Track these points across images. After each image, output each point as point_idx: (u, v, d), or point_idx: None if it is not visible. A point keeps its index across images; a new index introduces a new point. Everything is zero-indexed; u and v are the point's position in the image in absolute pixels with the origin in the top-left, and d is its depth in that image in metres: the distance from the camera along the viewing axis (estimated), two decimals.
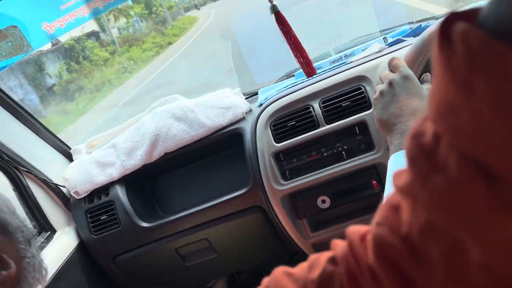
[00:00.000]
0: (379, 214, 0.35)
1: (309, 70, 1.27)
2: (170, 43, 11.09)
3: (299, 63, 1.19)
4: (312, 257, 0.43)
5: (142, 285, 1.53)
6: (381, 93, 0.89)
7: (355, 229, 0.40)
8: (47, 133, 1.44)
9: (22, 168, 1.30)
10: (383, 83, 0.92)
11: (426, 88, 0.89)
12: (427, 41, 0.93)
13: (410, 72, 0.89)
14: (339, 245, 0.41)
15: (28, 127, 1.36)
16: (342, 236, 1.31)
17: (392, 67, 0.91)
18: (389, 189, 0.80)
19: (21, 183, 1.31)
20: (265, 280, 0.45)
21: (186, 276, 1.52)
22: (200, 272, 1.51)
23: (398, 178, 0.31)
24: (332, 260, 0.39)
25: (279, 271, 0.44)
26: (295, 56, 1.20)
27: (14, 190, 1.33)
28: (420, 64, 0.94)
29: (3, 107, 1.26)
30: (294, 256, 1.79)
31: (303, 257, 1.56)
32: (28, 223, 0.46)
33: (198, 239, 1.40)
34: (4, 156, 1.22)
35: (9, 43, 1.11)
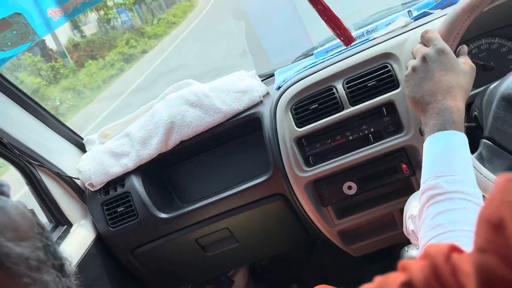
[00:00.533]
0: (479, 235, 0.27)
1: (346, 38, 1.18)
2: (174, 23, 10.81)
3: (332, 29, 1.11)
4: (378, 279, 0.37)
5: (162, 277, 1.50)
6: (414, 69, 0.82)
7: (436, 248, 0.33)
8: (57, 123, 1.39)
9: (34, 162, 1.25)
10: (415, 58, 0.85)
11: (462, 62, 0.82)
12: (462, 12, 0.85)
13: (445, 45, 0.82)
14: (414, 266, 0.34)
15: (38, 118, 1.30)
16: (369, 223, 1.25)
17: (426, 41, 0.85)
18: (426, 174, 0.75)
19: (35, 177, 1.26)
20: None
21: (207, 266, 1.48)
22: (221, 262, 1.47)
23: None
24: (408, 286, 0.33)
25: None
26: (327, 24, 1.12)
27: (27, 184, 1.29)
28: (456, 36, 0.86)
29: (11, 99, 1.21)
30: (314, 244, 1.75)
31: (325, 245, 1.52)
32: (40, 247, 0.41)
33: (219, 228, 1.35)
34: (16, 150, 1.18)
35: (14, 32, 1.05)
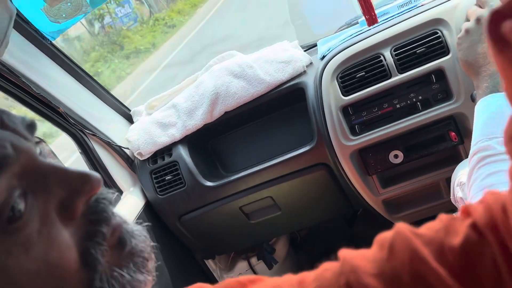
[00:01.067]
0: None
1: (370, 17, 1.17)
2: None
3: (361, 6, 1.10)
4: (443, 217, 0.38)
5: (207, 243, 1.55)
6: (467, 31, 0.81)
7: (495, 196, 0.34)
8: (107, 95, 1.43)
9: (87, 130, 1.31)
10: (469, 20, 0.83)
11: None
12: None
13: None
14: (477, 211, 0.35)
15: (90, 90, 1.35)
16: (414, 192, 1.24)
17: (481, 2, 0.82)
18: (477, 137, 0.74)
19: (87, 145, 1.32)
20: (386, 236, 0.40)
21: (250, 233, 1.52)
22: (265, 229, 1.51)
23: None
24: (474, 227, 0.34)
25: (404, 228, 0.39)
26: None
27: (81, 153, 1.35)
28: None
29: (66, 71, 1.25)
30: (355, 215, 1.76)
31: (366, 216, 1.53)
32: None
33: (262, 197, 1.38)
34: (70, 120, 1.23)
35: (68, 4, 1.09)
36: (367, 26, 1.25)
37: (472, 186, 0.70)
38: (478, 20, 0.80)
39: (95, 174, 0.43)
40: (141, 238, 0.47)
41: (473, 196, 0.68)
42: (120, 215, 0.47)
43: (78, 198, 0.42)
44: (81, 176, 0.42)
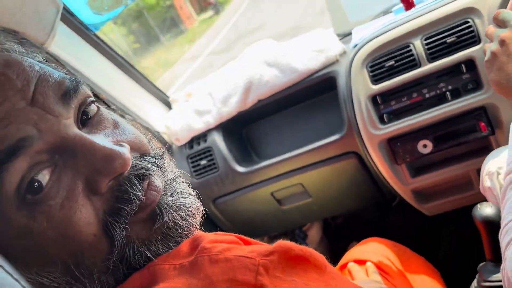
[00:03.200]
0: None
1: (407, 2, 1.17)
2: None
3: None
4: None
5: (239, 227, 1.61)
6: (494, 54, 0.79)
7: None
8: (147, 82, 1.51)
9: (127, 116, 1.39)
10: (491, 41, 0.82)
11: None
12: None
13: None
14: None
15: (130, 77, 1.43)
16: (444, 183, 1.24)
17: (500, 22, 0.80)
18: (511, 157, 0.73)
19: None
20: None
21: (281, 219, 1.57)
22: (295, 215, 1.54)
23: None
24: None
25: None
26: None
27: None
28: None
29: (109, 60, 1.34)
30: (392, 202, 1.76)
31: (401, 206, 1.52)
32: None
33: (293, 183, 1.42)
34: (112, 106, 1.31)
35: None
36: (401, 14, 1.25)
37: (505, 205, 0.70)
38: (502, 42, 0.78)
39: (122, 155, 0.45)
40: (181, 212, 0.49)
41: (505, 217, 0.69)
42: (159, 188, 0.48)
43: (100, 178, 0.44)
44: (106, 157, 0.44)
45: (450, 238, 1.60)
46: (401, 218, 1.78)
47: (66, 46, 1.16)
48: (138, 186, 0.46)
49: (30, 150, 0.42)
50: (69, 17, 1.18)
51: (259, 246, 0.46)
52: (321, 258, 0.48)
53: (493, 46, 0.80)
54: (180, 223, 0.48)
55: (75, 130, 0.46)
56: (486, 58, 0.82)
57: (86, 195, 0.45)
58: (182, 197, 0.50)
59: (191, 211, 0.50)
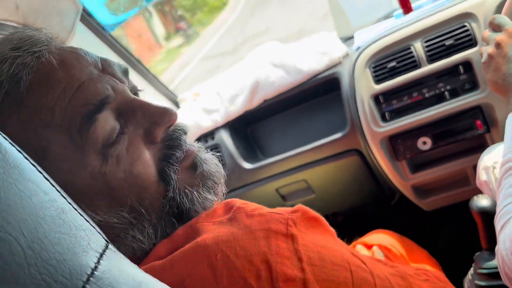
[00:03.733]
0: None
1: (406, 7, 1.23)
2: None
3: None
4: None
5: None
6: (490, 56, 0.85)
7: None
8: (157, 82, 1.57)
9: None
10: (487, 44, 0.88)
11: None
12: None
13: None
14: None
15: (142, 76, 1.49)
16: (442, 179, 1.30)
17: (495, 26, 0.87)
18: (507, 148, 0.78)
19: None
20: None
21: None
22: None
23: None
24: None
25: None
26: None
27: None
28: None
29: (121, 58, 1.39)
30: (391, 200, 1.81)
31: (401, 203, 1.58)
32: None
33: (297, 180, 1.47)
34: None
35: None
36: (401, 18, 1.32)
37: (499, 194, 0.75)
38: (498, 45, 0.84)
39: (173, 110, 0.56)
40: (213, 165, 0.60)
41: (499, 204, 0.74)
42: (196, 144, 0.60)
43: (157, 127, 0.55)
44: (161, 110, 0.55)
45: (448, 233, 1.65)
46: (401, 216, 1.84)
47: (84, 45, 1.22)
48: (184, 136, 0.57)
49: (109, 107, 0.51)
50: (87, 18, 1.23)
51: (283, 208, 0.55)
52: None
53: (489, 49, 0.86)
54: (214, 172, 0.59)
55: (134, 96, 0.56)
56: (483, 60, 0.88)
57: (145, 144, 0.54)
58: (210, 157, 0.61)
59: (217, 165, 0.61)
